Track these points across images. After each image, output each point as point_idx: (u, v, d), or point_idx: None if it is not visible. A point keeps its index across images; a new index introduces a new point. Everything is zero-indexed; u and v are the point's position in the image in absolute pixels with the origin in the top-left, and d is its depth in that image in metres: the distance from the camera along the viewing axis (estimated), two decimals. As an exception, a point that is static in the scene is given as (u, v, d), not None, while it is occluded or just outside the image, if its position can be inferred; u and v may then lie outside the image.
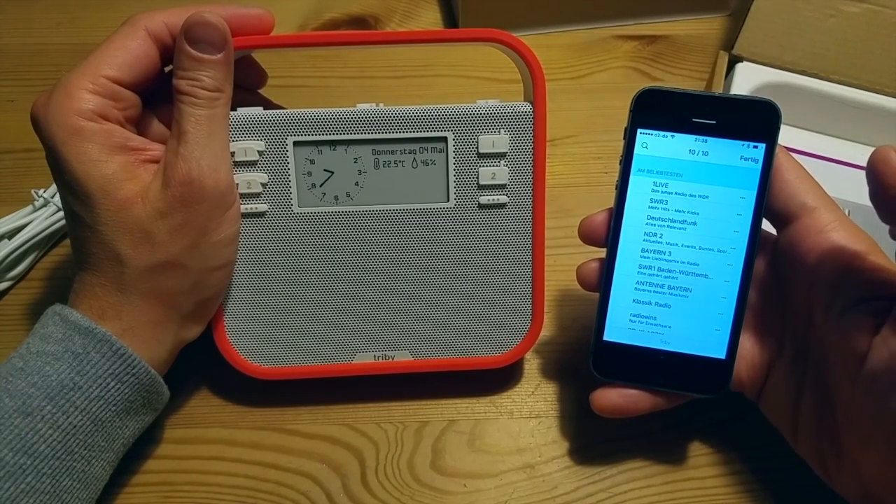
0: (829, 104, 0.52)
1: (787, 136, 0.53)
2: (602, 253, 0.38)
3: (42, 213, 0.47)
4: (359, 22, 0.63)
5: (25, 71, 0.59)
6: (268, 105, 0.42)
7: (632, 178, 0.37)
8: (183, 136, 0.35)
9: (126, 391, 0.34)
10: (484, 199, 0.39)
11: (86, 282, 0.35)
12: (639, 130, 0.37)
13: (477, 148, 0.38)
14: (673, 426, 0.41)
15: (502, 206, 0.39)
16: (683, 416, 0.40)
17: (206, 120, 0.35)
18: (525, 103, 0.38)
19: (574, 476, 0.40)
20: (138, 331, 0.35)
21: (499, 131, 0.38)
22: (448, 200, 0.39)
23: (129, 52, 0.36)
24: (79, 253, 0.36)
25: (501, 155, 0.38)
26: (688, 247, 0.37)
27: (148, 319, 0.35)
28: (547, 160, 0.38)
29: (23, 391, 0.32)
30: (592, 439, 0.41)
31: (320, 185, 0.38)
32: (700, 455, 0.40)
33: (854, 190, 0.50)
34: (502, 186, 0.39)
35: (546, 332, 0.41)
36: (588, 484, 0.39)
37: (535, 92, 0.38)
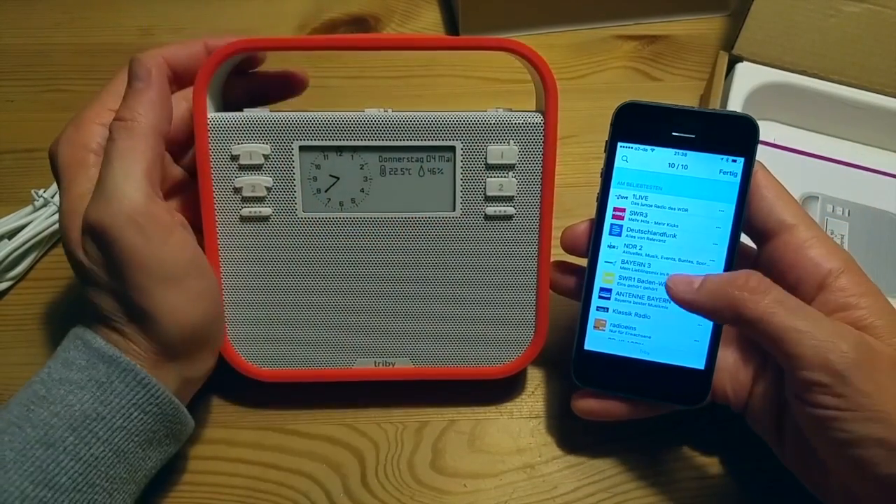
0: (830, 104, 0.52)
1: (788, 135, 0.54)
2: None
3: (42, 213, 0.47)
4: (359, 22, 0.63)
5: (25, 71, 0.59)
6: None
7: (612, 190, 0.37)
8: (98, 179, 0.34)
9: (149, 421, 0.34)
10: (491, 211, 0.38)
11: (127, 337, 0.34)
12: (619, 144, 0.37)
13: (485, 158, 0.38)
14: (673, 426, 0.41)
15: (509, 217, 0.39)
16: (684, 416, 0.40)
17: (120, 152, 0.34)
18: (536, 114, 0.38)
19: (574, 476, 0.40)
20: (162, 360, 0.35)
21: (508, 142, 0.38)
22: (454, 210, 0.38)
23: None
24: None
25: (510, 166, 0.38)
26: (667, 259, 0.37)
27: None
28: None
29: (45, 421, 0.32)
30: (592, 439, 0.41)
31: (325, 191, 0.38)
32: (701, 455, 0.40)
33: (854, 190, 0.50)
34: (510, 198, 0.38)
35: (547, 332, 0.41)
36: (588, 484, 0.39)
37: (547, 103, 0.37)
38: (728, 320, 0.34)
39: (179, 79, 0.38)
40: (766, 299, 0.32)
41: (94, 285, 0.34)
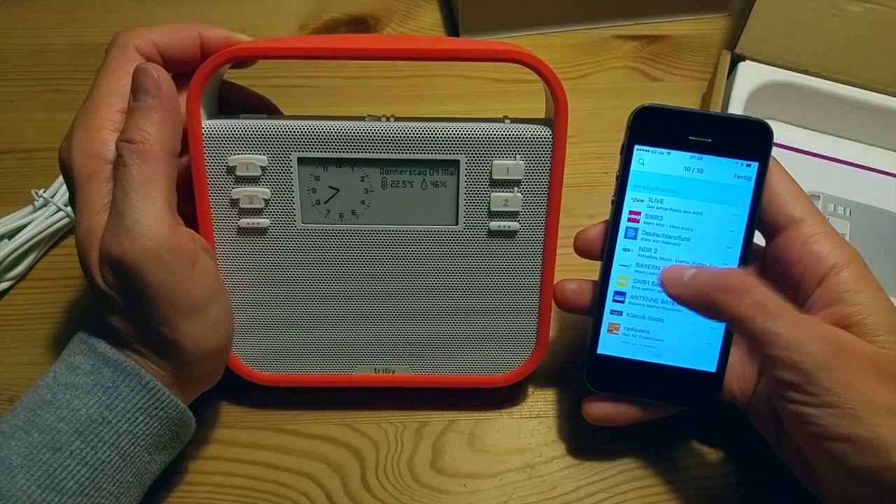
0: (832, 103, 0.52)
1: (790, 134, 0.53)
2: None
3: (42, 213, 0.47)
4: (359, 22, 0.63)
5: (25, 71, 0.59)
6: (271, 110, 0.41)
7: (628, 193, 0.37)
8: (114, 206, 0.33)
9: (155, 425, 0.34)
10: (494, 226, 0.38)
11: (146, 358, 0.34)
12: (636, 147, 0.37)
13: (490, 173, 0.37)
14: (673, 426, 0.41)
15: (513, 233, 0.38)
16: (684, 416, 0.40)
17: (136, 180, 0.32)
18: (544, 128, 0.36)
19: (574, 476, 0.39)
20: (178, 380, 0.35)
21: (514, 157, 0.36)
22: (457, 224, 0.38)
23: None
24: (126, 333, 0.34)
25: (516, 182, 0.37)
26: (681, 262, 0.37)
27: None
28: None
29: (52, 426, 0.32)
30: (592, 439, 0.40)
31: (325, 202, 0.37)
32: (700, 455, 0.40)
33: (856, 189, 0.50)
34: (514, 214, 0.37)
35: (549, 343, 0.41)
36: (588, 484, 0.39)
37: (556, 117, 0.36)
38: (712, 318, 0.34)
39: (168, 66, 0.36)
40: (746, 301, 0.32)
41: (111, 309, 0.33)
